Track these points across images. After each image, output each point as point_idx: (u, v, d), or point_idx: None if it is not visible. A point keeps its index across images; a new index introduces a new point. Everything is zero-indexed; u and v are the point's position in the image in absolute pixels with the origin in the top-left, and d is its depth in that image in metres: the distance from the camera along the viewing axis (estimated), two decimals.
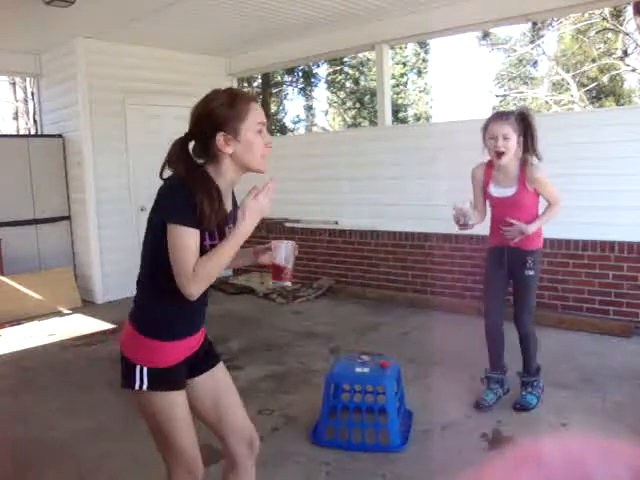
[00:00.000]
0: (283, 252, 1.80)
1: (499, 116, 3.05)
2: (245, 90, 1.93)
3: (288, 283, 1.85)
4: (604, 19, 14.20)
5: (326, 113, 20.32)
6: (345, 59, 16.51)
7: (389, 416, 2.83)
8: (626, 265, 4.58)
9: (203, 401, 1.83)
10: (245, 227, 1.58)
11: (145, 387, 1.66)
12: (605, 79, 15.49)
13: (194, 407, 1.81)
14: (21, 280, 5.83)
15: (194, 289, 1.56)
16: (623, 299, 4.62)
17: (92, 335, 5.07)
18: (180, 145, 1.66)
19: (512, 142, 2.95)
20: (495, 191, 3.11)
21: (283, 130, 17.77)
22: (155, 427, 1.73)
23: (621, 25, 14.26)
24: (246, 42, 6.57)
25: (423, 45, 18.63)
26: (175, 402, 1.69)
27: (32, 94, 9.54)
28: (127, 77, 6.33)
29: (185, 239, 1.54)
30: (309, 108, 19.41)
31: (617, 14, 13.91)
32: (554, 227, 4.87)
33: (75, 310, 5.94)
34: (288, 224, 6.85)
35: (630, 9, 12.45)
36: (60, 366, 4.31)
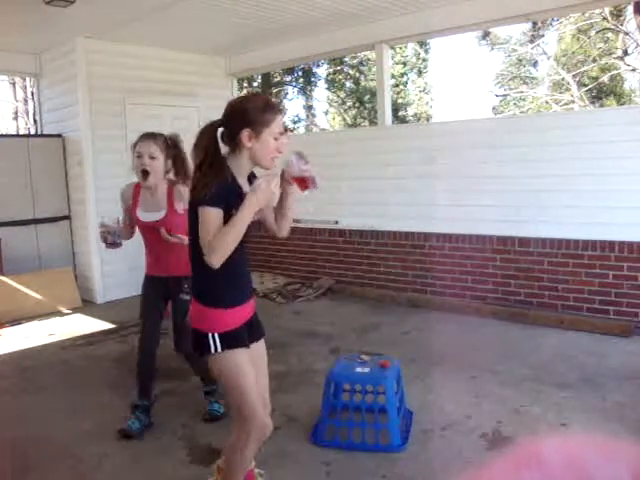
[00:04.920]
0: (295, 165, 1.99)
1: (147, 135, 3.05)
2: (276, 101, 2.23)
3: (315, 189, 2.00)
4: (604, 19, 14.19)
5: (326, 113, 20.34)
6: (345, 59, 16.52)
7: (389, 416, 2.83)
8: (626, 265, 4.58)
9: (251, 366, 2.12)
10: (251, 201, 1.86)
11: (219, 349, 1.97)
12: (605, 79, 15.48)
13: None
14: (21, 280, 5.82)
15: (214, 258, 1.83)
16: (623, 299, 4.61)
17: (92, 335, 5.06)
18: (210, 130, 1.95)
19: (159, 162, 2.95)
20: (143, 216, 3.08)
21: None
22: (230, 384, 2.03)
23: (621, 25, 14.25)
24: (246, 42, 6.56)
25: (423, 45, 18.63)
26: (244, 360, 2.01)
27: (32, 94, 9.54)
28: (127, 77, 6.32)
29: (205, 216, 1.85)
30: (309, 108, 19.42)
31: (617, 14, 13.90)
32: (554, 227, 4.92)
33: (75, 310, 5.93)
34: None
35: (630, 9, 12.47)
36: (60, 366, 4.31)
